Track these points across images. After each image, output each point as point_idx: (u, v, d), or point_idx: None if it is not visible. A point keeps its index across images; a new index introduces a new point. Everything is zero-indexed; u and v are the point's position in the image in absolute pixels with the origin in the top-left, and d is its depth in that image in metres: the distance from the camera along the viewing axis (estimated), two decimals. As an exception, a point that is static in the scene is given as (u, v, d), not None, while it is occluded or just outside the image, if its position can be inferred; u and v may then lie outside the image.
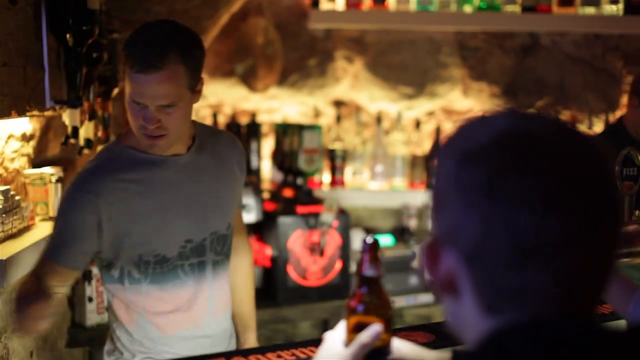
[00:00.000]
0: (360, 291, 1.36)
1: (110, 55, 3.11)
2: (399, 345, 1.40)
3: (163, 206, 2.18)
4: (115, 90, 3.27)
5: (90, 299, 3.15)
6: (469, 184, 0.94)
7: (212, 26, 3.91)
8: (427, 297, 4.02)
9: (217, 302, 2.31)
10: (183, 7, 3.58)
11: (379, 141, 4.37)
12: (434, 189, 1.01)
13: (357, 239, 4.05)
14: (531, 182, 0.91)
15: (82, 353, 3.34)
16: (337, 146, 4.33)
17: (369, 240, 1.36)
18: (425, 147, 4.52)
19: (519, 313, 0.93)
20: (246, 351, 1.74)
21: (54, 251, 2.14)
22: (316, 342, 1.73)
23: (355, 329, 1.35)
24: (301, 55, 4.38)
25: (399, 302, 3.94)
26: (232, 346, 2.45)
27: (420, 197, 4.41)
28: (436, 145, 4.44)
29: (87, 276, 3.12)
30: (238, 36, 4.19)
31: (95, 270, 3.11)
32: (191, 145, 2.25)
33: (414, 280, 4.01)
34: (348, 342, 1.35)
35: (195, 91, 2.11)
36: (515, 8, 4.22)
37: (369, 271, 1.36)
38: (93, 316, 3.18)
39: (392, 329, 1.37)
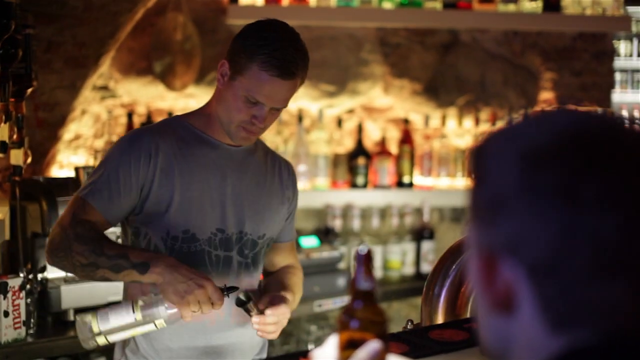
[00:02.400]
0: (354, 305, 1.25)
1: (24, 52, 2.91)
2: (396, 363, 1.30)
3: (205, 187, 2.21)
4: (29, 90, 3.06)
5: (7, 314, 2.94)
6: (541, 188, 0.84)
7: (129, 21, 3.73)
8: (354, 300, 3.94)
9: (236, 307, 2.23)
10: (101, 1, 3.39)
11: (301, 140, 4.27)
12: (481, 195, 0.91)
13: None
14: (613, 185, 0.82)
15: (-4, 371, 3.13)
16: (257, 146, 4.20)
17: (362, 250, 1.25)
18: (347, 145, 4.45)
19: (594, 330, 0.84)
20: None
21: (94, 195, 2.15)
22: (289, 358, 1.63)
23: (348, 346, 1.24)
24: (219, 52, 4.22)
25: (326, 305, 3.85)
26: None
27: (344, 196, 4.33)
28: (360, 143, 4.38)
29: (2, 289, 2.91)
30: (155, 32, 4.01)
31: (11, 283, 2.90)
32: (249, 145, 2.31)
33: (341, 282, 3.92)
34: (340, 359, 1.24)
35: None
36: (436, 4, 4.21)
37: (363, 284, 1.25)
38: (10, 332, 2.96)
39: (388, 346, 1.27)
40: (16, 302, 2.96)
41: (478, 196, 0.92)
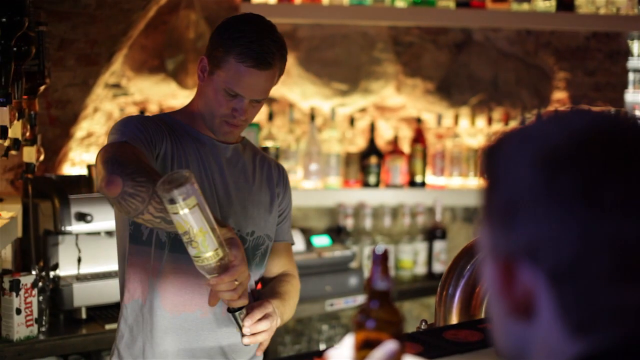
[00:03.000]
0: (370, 305, 1.24)
1: (37, 49, 2.90)
2: (412, 364, 1.29)
3: (199, 179, 2.14)
4: (42, 87, 3.06)
5: (19, 311, 2.94)
6: (560, 192, 0.82)
7: (141, 19, 3.73)
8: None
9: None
10: (114, -2, 3.39)
11: (313, 139, 4.26)
12: (496, 198, 0.89)
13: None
14: (634, 187, 0.81)
15: (8, 368, 3.13)
16: (269, 144, 4.20)
17: (379, 250, 1.24)
18: (359, 144, 4.43)
19: (613, 335, 0.83)
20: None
21: (121, 135, 2.05)
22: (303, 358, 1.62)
23: (364, 346, 1.23)
24: (232, 51, 4.23)
25: (337, 304, 3.84)
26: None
27: (356, 195, 4.32)
28: (372, 142, 4.36)
29: (15, 287, 2.91)
30: (168, 30, 4.00)
31: (23, 280, 2.91)
32: (237, 143, 2.33)
33: (352, 281, 3.91)
34: (356, 360, 1.23)
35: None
36: (449, 3, 4.19)
37: (379, 284, 1.24)
38: (22, 329, 2.97)
39: (404, 346, 1.26)
40: (28, 300, 2.96)
41: (493, 199, 0.90)
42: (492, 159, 0.91)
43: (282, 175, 2.43)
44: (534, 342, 0.88)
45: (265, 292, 2.34)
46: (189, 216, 1.75)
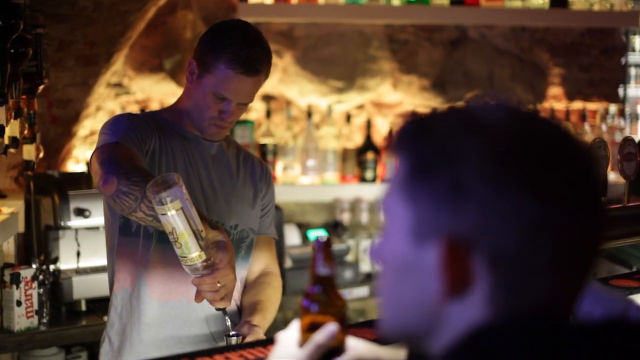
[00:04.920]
0: (313, 290, 1.33)
1: (35, 50, 3.01)
2: (354, 344, 1.37)
3: (184, 175, 2.23)
4: (41, 87, 3.16)
5: (19, 303, 3.05)
6: (508, 181, 0.86)
7: (139, 20, 3.83)
8: (362, 291, 4.01)
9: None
10: (110, 1, 3.49)
11: (310, 135, 4.34)
12: (441, 178, 0.90)
13: (290, 235, 4.02)
14: (576, 180, 0.88)
15: (10, 358, 3.23)
16: (267, 141, 4.29)
17: (322, 238, 1.33)
18: (356, 140, 4.51)
19: (516, 310, 0.89)
20: (193, 353, 1.69)
21: (113, 135, 2.12)
22: (266, 343, 1.70)
23: (310, 329, 1.32)
24: (230, 50, 4.32)
25: (333, 296, 3.92)
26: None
27: (353, 190, 4.40)
28: (369, 138, 4.44)
29: (15, 280, 3.02)
30: (166, 30, 4.10)
31: (24, 273, 3.01)
32: (221, 141, 2.41)
33: (348, 274, 4.00)
34: (302, 342, 1.32)
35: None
36: (444, 1, 4.26)
37: (322, 270, 1.33)
38: (22, 320, 3.07)
39: (346, 328, 1.34)
40: (28, 292, 3.06)
41: (433, 178, 0.91)
42: (426, 140, 0.93)
43: (265, 172, 2.51)
44: (452, 317, 0.92)
45: (245, 301, 2.38)
46: (175, 217, 1.84)
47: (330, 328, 1.30)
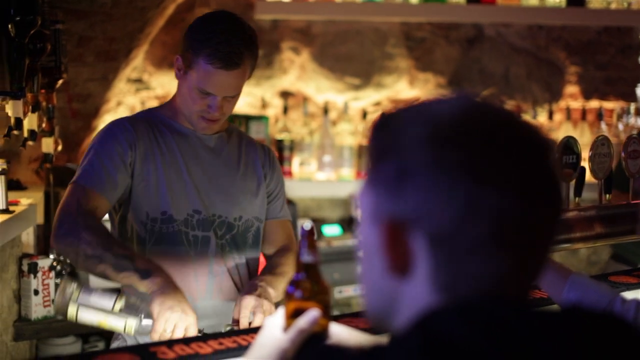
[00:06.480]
0: (298, 277, 1.38)
1: (54, 46, 3.08)
2: (337, 330, 1.41)
3: (177, 171, 2.31)
4: (60, 82, 3.24)
5: (37, 292, 3.12)
6: (446, 165, 0.92)
7: (158, 17, 3.90)
8: (375, 286, 4.05)
9: (217, 284, 2.31)
10: (128, -3, 3.57)
11: (326, 132, 4.39)
12: (388, 165, 0.97)
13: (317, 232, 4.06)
14: (512, 164, 0.92)
15: (28, 346, 3.31)
16: (284, 137, 4.35)
17: (307, 226, 1.38)
18: (372, 137, 4.54)
19: (465, 292, 0.93)
20: (187, 340, 1.75)
21: (92, 179, 2.23)
22: (257, 330, 1.74)
23: (294, 315, 1.36)
24: (248, 46, 4.38)
25: (346, 291, 3.97)
26: None
27: (368, 187, 4.43)
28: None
29: (32, 269, 3.10)
30: (184, 27, 4.14)
31: (41, 263, 3.09)
32: (219, 132, 2.41)
33: (361, 269, 4.03)
34: (287, 327, 1.36)
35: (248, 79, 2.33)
36: (460, -1, 4.28)
37: (306, 257, 1.38)
38: (39, 309, 3.15)
39: (330, 315, 1.39)
40: (45, 282, 3.14)
41: (382, 167, 0.98)
42: (384, 131, 1.00)
43: (269, 157, 2.50)
44: (404, 296, 0.98)
45: (263, 270, 2.41)
46: (84, 319, 2.06)
47: (312, 314, 1.35)
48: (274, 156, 2.54)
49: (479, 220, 0.91)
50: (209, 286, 2.31)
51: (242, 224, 2.39)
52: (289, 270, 2.37)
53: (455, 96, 1.01)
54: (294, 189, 4.21)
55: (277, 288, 2.28)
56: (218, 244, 2.33)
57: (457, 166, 0.91)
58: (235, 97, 2.31)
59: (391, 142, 0.97)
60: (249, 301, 2.14)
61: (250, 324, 2.10)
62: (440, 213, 0.92)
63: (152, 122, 2.36)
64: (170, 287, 2.03)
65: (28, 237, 3.39)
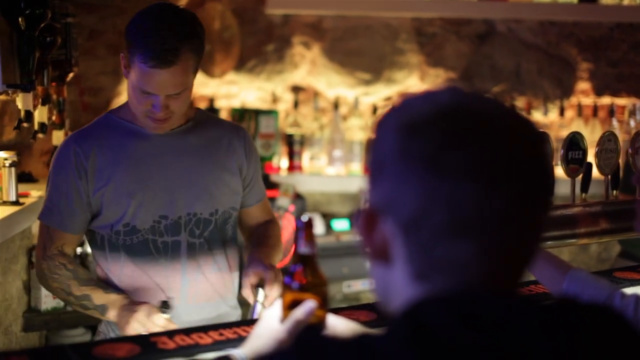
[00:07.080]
0: (295, 269, 1.39)
1: (64, 39, 3.11)
2: (334, 322, 1.43)
3: (140, 177, 2.22)
4: (70, 75, 3.27)
5: (46, 283, 3.16)
6: (411, 155, 0.95)
7: (169, 11, 3.90)
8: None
9: (192, 288, 2.27)
10: (139, -9, 3.58)
11: (337, 126, 4.40)
12: (370, 158, 1.01)
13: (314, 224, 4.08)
14: (475, 156, 0.93)
15: (37, 337, 3.34)
16: (294, 131, 4.36)
17: (304, 218, 1.39)
18: (382, 132, 4.55)
19: (446, 283, 0.95)
20: (188, 330, 1.77)
21: (52, 217, 2.24)
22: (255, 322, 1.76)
23: (291, 306, 1.38)
24: (259, 41, 4.40)
25: (355, 286, 3.98)
26: None
27: (378, 182, 4.44)
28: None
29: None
30: (195, 21, 4.18)
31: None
32: (182, 125, 2.29)
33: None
34: (284, 318, 1.38)
35: (196, 72, 2.19)
36: (472, -5, 4.28)
37: (304, 249, 1.39)
38: (49, 300, 3.18)
39: (327, 306, 1.40)
40: (55, 273, 3.16)
41: (369, 158, 1.02)
42: (381, 126, 1.03)
43: (242, 140, 2.38)
44: (391, 284, 1.00)
45: (250, 244, 2.40)
46: None
47: (309, 305, 1.36)
48: (250, 139, 2.42)
49: (437, 208, 0.93)
50: (183, 293, 2.26)
51: (219, 217, 2.30)
52: (276, 242, 2.39)
53: (445, 88, 1.03)
54: (304, 183, 4.23)
55: (274, 261, 2.28)
56: (192, 244, 2.26)
57: (419, 156, 0.94)
58: (181, 93, 2.13)
59: (379, 137, 1.01)
60: (268, 275, 2.10)
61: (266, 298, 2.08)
62: (405, 202, 0.95)
63: (110, 128, 2.26)
64: (129, 310, 2.08)
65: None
